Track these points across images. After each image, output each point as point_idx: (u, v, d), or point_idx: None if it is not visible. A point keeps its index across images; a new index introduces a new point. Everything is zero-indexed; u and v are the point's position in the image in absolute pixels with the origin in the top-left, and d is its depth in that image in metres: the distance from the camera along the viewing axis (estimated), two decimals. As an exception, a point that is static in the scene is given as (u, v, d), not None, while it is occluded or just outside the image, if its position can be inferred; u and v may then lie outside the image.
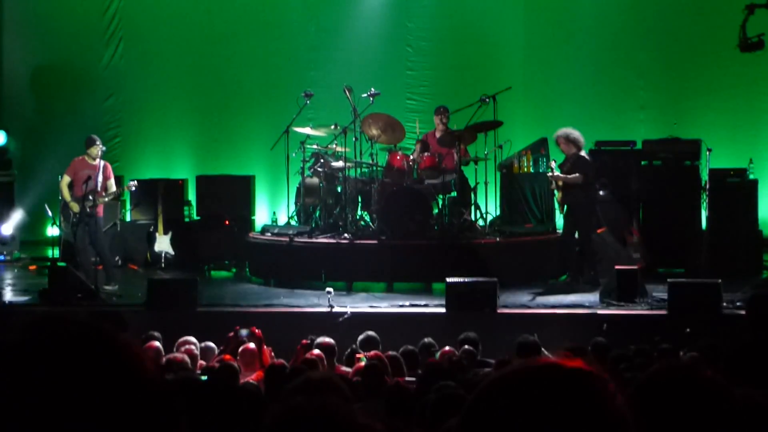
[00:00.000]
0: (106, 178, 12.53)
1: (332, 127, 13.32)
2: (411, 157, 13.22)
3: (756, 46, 11.55)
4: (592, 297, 11.58)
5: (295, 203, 13.72)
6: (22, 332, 1.38)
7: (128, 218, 15.34)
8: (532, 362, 1.48)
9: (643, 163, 13.92)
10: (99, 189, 12.33)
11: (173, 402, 1.40)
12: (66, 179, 12.55)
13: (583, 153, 12.45)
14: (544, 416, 1.41)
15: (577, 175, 12.23)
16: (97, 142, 12.56)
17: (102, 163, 12.57)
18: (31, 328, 1.38)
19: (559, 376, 1.44)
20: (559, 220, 13.51)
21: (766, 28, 11.63)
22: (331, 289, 11.28)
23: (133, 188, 13.04)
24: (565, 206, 12.55)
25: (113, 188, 12.67)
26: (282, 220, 14.75)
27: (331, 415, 1.55)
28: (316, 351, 8.01)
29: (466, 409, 1.47)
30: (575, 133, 12.44)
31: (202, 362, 8.20)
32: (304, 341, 8.60)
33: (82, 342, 1.37)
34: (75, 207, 12.34)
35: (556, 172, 12.34)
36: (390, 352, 7.98)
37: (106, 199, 12.61)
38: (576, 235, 12.52)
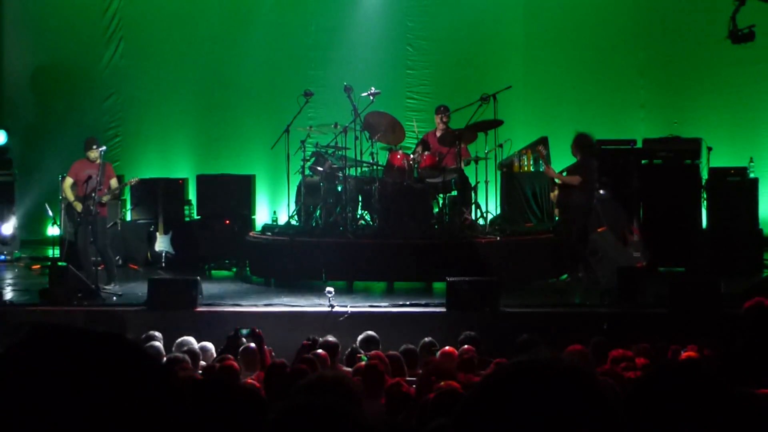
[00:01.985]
0: (108, 177, 12.51)
1: (333, 126, 13.32)
2: (411, 156, 13.21)
3: (747, 37, 11.43)
4: (593, 296, 11.58)
5: (296, 202, 13.71)
6: (29, 340, 1.37)
7: (128, 218, 15.34)
8: (523, 361, 1.48)
9: (643, 161, 13.91)
10: (101, 187, 12.31)
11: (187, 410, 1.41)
12: (68, 180, 12.53)
13: (590, 159, 12.50)
14: (535, 415, 1.41)
15: (574, 176, 12.29)
16: (94, 146, 12.46)
17: (103, 162, 12.54)
18: (38, 334, 1.38)
19: (550, 374, 1.44)
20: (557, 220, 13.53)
21: (756, 18, 11.56)
22: (331, 289, 11.26)
23: (134, 183, 13.13)
24: (561, 206, 12.62)
25: (115, 185, 12.66)
26: (282, 219, 14.75)
27: (334, 414, 1.55)
28: (318, 351, 8.00)
29: (458, 410, 1.47)
30: (585, 139, 12.55)
31: (202, 362, 8.20)
32: (305, 341, 8.60)
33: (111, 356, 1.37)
34: (78, 206, 12.32)
35: (551, 171, 12.54)
36: (390, 352, 7.98)
37: (109, 197, 12.60)
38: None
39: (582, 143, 12.62)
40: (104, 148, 12.76)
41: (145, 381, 1.37)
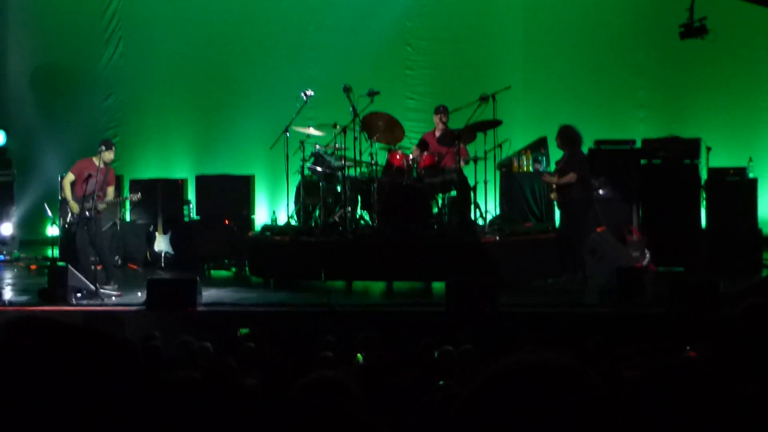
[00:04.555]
0: (107, 183, 12.47)
1: (332, 126, 13.33)
2: (411, 156, 13.22)
3: (698, 31, 11.29)
4: (592, 295, 11.58)
5: (295, 203, 13.72)
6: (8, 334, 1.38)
7: (128, 218, 15.35)
8: (518, 361, 1.48)
9: (642, 161, 13.90)
10: (100, 193, 12.27)
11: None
12: (70, 177, 12.50)
13: (578, 150, 12.56)
14: (530, 414, 1.41)
15: (569, 174, 12.32)
16: (112, 146, 12.66)
17: (107, 168, 12.51)
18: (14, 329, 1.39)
19: (546, 372, 1.45)
20: (559, 219, 13.54)
21: (709, 11, 11.47)
22: (330, 289, 11.27)
23: (135, 200, 13.01)
24: (563, 206, 12.65)
25: (111, 195, 12.58)
26: (282, 219, 14.75)
27: (334, 414, 1.55)
28: (317, 350, 8.01)
29: (454, 410, 1.47)
30: (570, 131, 12.57)
31: (201, 362, 8.20)
32: (303, 340, 8.61)
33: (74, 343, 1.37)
34: (75, 207, 12.31)
35: (547, 176, 12.61)
36: (390, 352, 7.98)
37: (104, 206, 12.55)
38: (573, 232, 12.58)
39: (568, 135, 12.62)
40: (103, 148, 12.62)
41: (120, 376, 1.38)
